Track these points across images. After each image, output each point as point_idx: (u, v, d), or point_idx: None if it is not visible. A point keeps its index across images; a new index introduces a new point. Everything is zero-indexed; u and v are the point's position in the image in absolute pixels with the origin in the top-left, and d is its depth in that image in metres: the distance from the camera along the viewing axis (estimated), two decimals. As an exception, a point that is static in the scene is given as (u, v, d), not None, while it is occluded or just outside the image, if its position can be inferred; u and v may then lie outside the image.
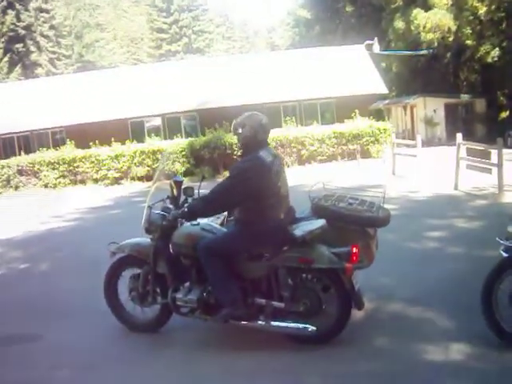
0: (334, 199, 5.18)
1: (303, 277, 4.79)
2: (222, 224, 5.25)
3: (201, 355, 4.78)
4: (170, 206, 5.08)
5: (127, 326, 5.42)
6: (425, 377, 4.15)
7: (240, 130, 4.65)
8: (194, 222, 4.98)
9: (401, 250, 7.76)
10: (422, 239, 8.40)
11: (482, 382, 4.01)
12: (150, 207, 5.14)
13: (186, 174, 20.52)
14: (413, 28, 28.84)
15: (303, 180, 15.70)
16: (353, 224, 4.90)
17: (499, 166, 11.27)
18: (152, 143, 23.19)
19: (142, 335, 5.31)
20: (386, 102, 36.36)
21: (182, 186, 5.12)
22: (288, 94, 26.40)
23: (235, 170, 4.65)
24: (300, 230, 4.66)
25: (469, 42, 29.39)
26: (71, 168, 22.98)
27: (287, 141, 22.03)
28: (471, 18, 28.32)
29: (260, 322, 4.69)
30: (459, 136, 13.34)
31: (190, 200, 5.11)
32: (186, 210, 4.75)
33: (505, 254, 4.70)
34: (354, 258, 4.60)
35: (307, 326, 4.57)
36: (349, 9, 42.44)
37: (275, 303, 4.65)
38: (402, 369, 4.28)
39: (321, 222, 4.78)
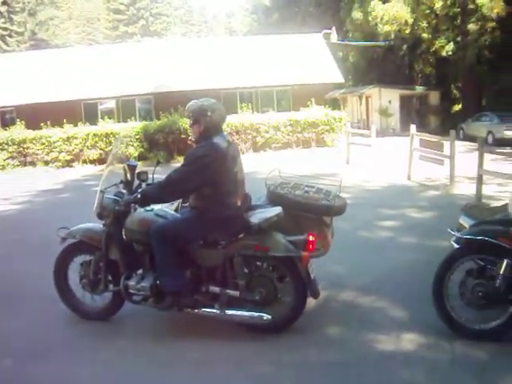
0: (291, 187, 5.17)
1: (259, 265, 4.75)
2: (176, 210, 5.13)
3: (152, 344, 4.69)
4: (124, 191, 4.94)
5: (77, 313, 5.28)
6: (376, 366, 4.16)
7: (209, 114, 4.53)
8: (148, 208, 4.86)
9: (354, 238, 7.81)
10: (375, 228, 8.49)
11: (433, 371, 4.05)
12: (102, 192, 4.98)
13: (139, 158, 20.19)
14: (370, 19, 28.99)
15: (258, 167, 15.69)
16: (309, 212, 4.90)
17: (451, 157, 11.48)
18: (105, 126, 22.69)
19: (93, 323, 5.17)
20: (342, 91, 36.66)
21: (136, 171, 4.97)
22: (245, 80, 26.27)
23: (191, 157, 4.54)
24: (256, 217, 4.62)
25: (425, 35, 29.75)
26: (21, 149, 22.23)
27: (243, 127, 21.92)
28: (428, 11, 28.63)
29: (214, 310, 4.63)
30: (413, 127, 13.53)
31: (143, 185, 4.97)
32: (138, 195, 4.63)
33: (456, 245, 4.76)
34: (311, 246, 4.58)
35: (262, 314, 4.54)
36: (308, -3, 42.48)
37: (230, 291, 4.59)
38: (354, 358, 4.29)
39: (277, 210, 4.73)
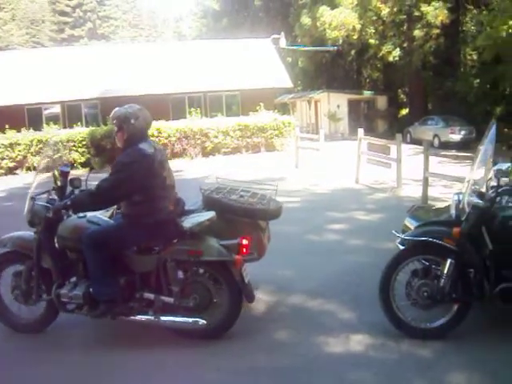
0: (226, 192, 5.22)
1: (193, 270, 4.67)
2: (111, 216, 5.04)
3: (90, 354, 4.53)
4: (56, 198, 4.79)
5: (10, 326, 5.05)
6: (325, 369, 4.14)
7: (133, 121, 4.47)
8: (81, 215, 4.74)
9: (303, 242, 7.81)
10: (323, 232, 8.51)
11: (381, 371, 4.06)
12: (33, 198, 4.83)
13: (85, 164, 19.78)
14: (319, 25, 29.31)
15: (207, 172, 15.63)
16: (244, 216, 4.94)
17: (398, 160, 11.64)
18: (50, 131, 22.10)
19: (27, 336, 4.94)
20: (292, 96, 36.96)
21: (69, 177, 4.83)
22: (194, 85, 26.10)
23: (118, 164, 4.47)
24: (189, 222, 4.56)
25: (372, 41, 30.33)
26: (-39, 155, 21.46)
27: (191, 132, 21.73)
28: (375, 18, 29.17)
29: (149, 317, 4.54)
30: (360, 131, 13.70)
31: (76, 192, 4.84)
32: (68, 202, 4.52)
33: (401, 247, 4.82)
34: (244, 250, 4.58)
35: (197, 319, 4.46)
36: (257, 2, 42.66)
37: (164, 298, 4.52)
38: (302, 362, 4.25)
39: (210, 214, 4.71)
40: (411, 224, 5.52)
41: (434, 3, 26.91)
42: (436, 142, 25.65)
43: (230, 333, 4.66)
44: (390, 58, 30.69)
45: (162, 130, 21.17)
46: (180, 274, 4.57)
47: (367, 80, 41.41)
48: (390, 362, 4.17)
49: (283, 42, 32.88)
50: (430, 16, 26.79)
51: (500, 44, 22.60)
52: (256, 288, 5.10)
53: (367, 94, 35.97)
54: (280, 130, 22.67)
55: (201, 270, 4.70)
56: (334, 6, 29.12)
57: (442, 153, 15.07)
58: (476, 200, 4.48)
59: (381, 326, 4.63)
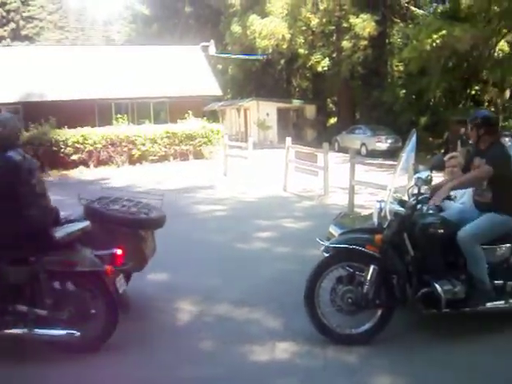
0: (109, 201, 5.23)
1: (68, 281, 4.55)
2: None
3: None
4: None
5: None
6: (251, 378, 4.11)
7: (1, 129, 4.40)
8: None
9: (230, 251, 7.75)
10: (251, 240, 8.48)
11: (307, 378, 4.06)
12: None
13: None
14: (249, 33, 29.52)
15: (133, 181, 15.34)
16: (124, 226, 4.93)
17: (325, 168, 11.78)
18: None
19: None
20: (221, 103, 36.93)
21: None
22: (121, 91, 25.58)
23: None
24: (61, 231, 4.48)
25: (301, 50, 30.80)
26: None
27: (118, 139, 21.18)
28: (304, 28, 29.65)
29: (23, 330, 4.34)
30: (288, 139, 13.79)
31: None
32: None
33: (325, 254, 4.83)
34: (118, 260, 4.55)
35: (71, 331, 4.31)
36: (188, 9, 42.44)
37: (37, 310, 4.35)
38: (228, 371, 4.19)
39: (83, 224, 4.67)
40: (335, 231, 5.58)
41: (362, 15, 27.65)
42: (363, 150, 26.26)
43: (154, 342, 4.56)
44: (319, 68, 31.29)
45: (87, 136, 20.62)
46: (56, 285, 4.46)
47: (297, 89, 41.95)
48: (316, 369, 4.18)
49: (213, 50, 32.86)
50: (358, 28, 27.53)
51: (425, 57, 23.52)
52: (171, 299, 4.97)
53: (296, 102, 36.39)
54: (209, 137, 22.56)
55: (75, 281, 4.55)
56: (264, 15, 29.42)
57: (368, 161, 15.41)
58: (397, 207, 4.59)
59: (307, 332, 4.64)
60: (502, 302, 4.70)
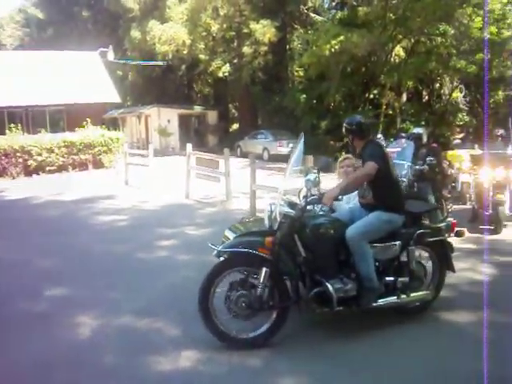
0: None
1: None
2: None
3: None
4: None
5: None
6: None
7: None
8: None
9: (131, 261, 7.67)
10: (153, 249, 8.41)
11: (212, 384, 4.09)
12: None
13: None
14: (148, 39, 29.19)
15: (31, 192, 14.78)
16: None
17: (226, 174, 11.87)
18: None
19: None
20: (121, 110, 36.28)
21: None
22: (14, 99, 24.56)
23: None
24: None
25: (202, 56, 30.75)
26: None
27: (12, 150, 20.20)
28: (205, 34, 29.64)
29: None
30: (189, 146, 13.77)
31: None
32: None
33: (219, 259, 4.88)
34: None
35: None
36: (85, 13, 41.36)
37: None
38: (129, 385, 4.14)
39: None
40: (231, 236, 5.62)
41: (262, 21, 28.06)
42: (266, 155, 26.68)
43: (56, 359, 4.46)
44: (220, 74, 31.43)
45: (-23, 146, 19.64)
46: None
47: (198, 95, 41.94)
48: (221, 375, 4.23)
49: (111, 56, 32.19)
50: (259, 34, 27.92)
51: (324, 62, 24.25)
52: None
53: (198, 108, 36.39)
54: (108, 146, 22.02)
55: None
56: (163, 21, 29.20)
57: (269, 165, 15.66)
58: (287, 209, 4.70)
59: (209, 340, 4.66)
60: (394, 297, 5.00)
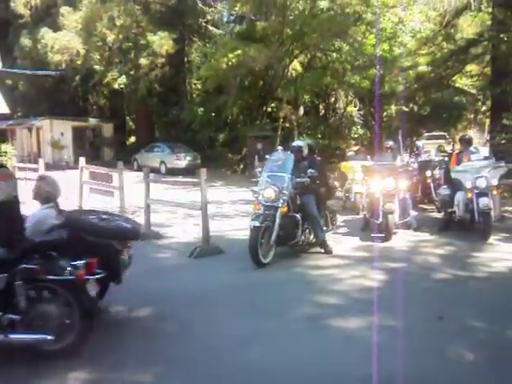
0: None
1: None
2: None
3: None
4: None
5: None
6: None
7: None
8: None
9: None
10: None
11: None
12: None
13: None
14: (40, 47, 28.07)
15: None
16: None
17: (120, 188, 11.54)
18: None
19: None
20: (10, 122, 34.48)
21: None
22: None
23: None
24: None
25: (97, 67, 29.92)
26: None
27: None
28: (100, 44, 28.90)
29: None
30: (82, 160, 13.26)
31: None
32: None
33: None
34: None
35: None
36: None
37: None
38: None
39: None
40: None
41: (159, 33, 27.78)
42: (163, 168, 26.41)
43: None
44: (116, 85, 30.72)
45: None
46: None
47: (94, 107, 40.76)
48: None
49: (-1, 64, 30.61)
50: (156, 45, 27.62)
51: (221, 75, 24.42)
52: None
53: (93, 121, 35.29)
54: (-5, 160, 20.84)
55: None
56: (56, 29, 28.22)
57: (164, 179, 15.42)
58: None
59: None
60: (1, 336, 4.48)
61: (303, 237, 8.54)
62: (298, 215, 8.19)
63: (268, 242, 7.81)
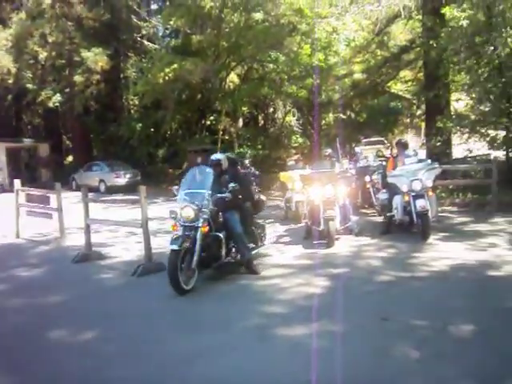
0: None
1: None
2: None
3: None
4: None
5: None
6: None
7: None
8: None
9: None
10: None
11: None
12: None
13: None
14: (-32, 66, 27.22)
15: None
16: None
17: (59, 210, 11.30)
18: None
19: None
20: None
21: None
22: None
23: None
24: None
25: (30, 85, 29.18)
26: None
27: None
28: (32, 62, 28.22)
29: None
30: (17, 182, 12.82)
31: None
32: None
33: None
34: None
35: None
36: None
37: None
38: None
39: None
40: None
41: (93, 49, 27.23)
42: (102, 187, 25.93)
43: None
44: (51, 104, 29.93)
45: None
46: None
47: (28, 126, 39.72)
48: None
49: None
50: (90, 62, 27.02)
51: (158, 90, 24.29)
52: None
53: (28, 141, 34.21)
54: None
55: None
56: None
57: (103, 198, 15.18)
58: None
59: None
60: None
61: (229, 257, 8.10)
62: (221, 234, 7.61)
63: (189, 267, 7.09)
